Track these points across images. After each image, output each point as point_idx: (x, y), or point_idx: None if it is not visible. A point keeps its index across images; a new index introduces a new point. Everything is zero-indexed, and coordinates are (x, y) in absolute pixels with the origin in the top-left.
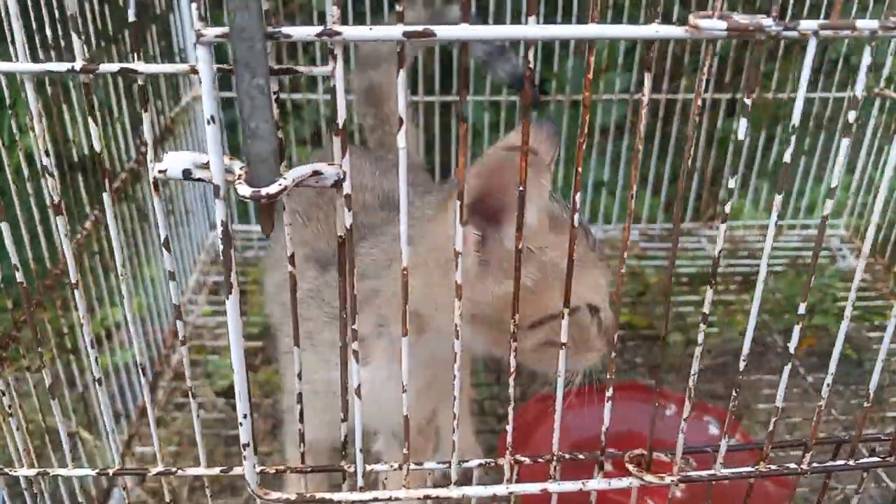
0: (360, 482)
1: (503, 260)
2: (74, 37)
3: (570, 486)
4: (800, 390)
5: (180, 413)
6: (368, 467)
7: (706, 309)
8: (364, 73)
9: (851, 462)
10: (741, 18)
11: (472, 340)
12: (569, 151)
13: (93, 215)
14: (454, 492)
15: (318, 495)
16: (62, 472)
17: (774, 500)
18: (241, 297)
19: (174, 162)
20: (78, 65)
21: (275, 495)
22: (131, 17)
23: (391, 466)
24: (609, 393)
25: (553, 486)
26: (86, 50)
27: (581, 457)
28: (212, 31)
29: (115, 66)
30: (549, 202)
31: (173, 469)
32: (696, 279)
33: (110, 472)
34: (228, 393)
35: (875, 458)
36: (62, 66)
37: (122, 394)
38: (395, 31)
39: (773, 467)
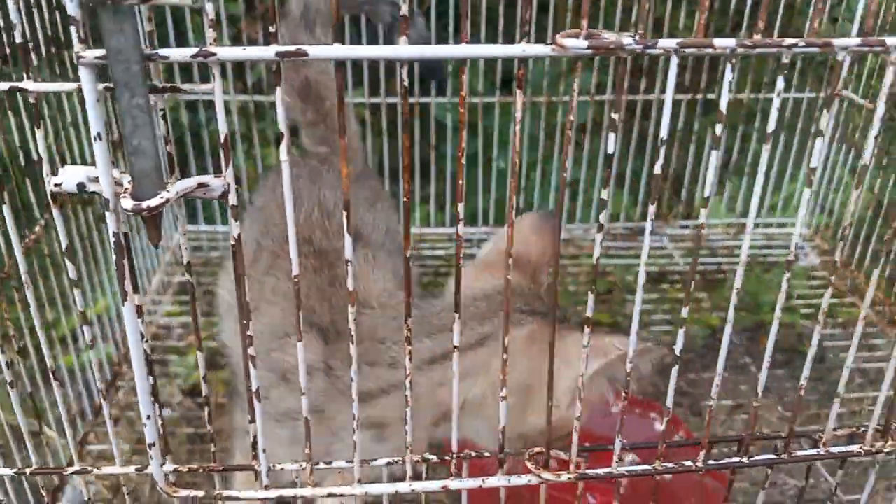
0: (265, 481)
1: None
2: None
3: (472, 482)
4: (751, 387)
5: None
6: (279, 466)
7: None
8: (297, 70)
9: (746, 459)
10: (606, 37)
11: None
12: (547, 150)
13: (43, 219)
14: (357, 489)
15: (226, 493)
16: None
17: (711, 495)
18: (207, 296)
19: (69, 176)
20: None
21: (184, 493)
22: (18, 39)
23: (300, 465)
24: (503, 393)
25: (454, 483)
26: None
27: (486, 454)
28: (91, 53)
29: (5, 85)
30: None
31: (88, 468)
32: (657, 278)
33: (27, 471)
34: (194, 392)
35: (771, 456)
36: None
37: (79, 394)
38: (269, 51)
39: (669, 465)
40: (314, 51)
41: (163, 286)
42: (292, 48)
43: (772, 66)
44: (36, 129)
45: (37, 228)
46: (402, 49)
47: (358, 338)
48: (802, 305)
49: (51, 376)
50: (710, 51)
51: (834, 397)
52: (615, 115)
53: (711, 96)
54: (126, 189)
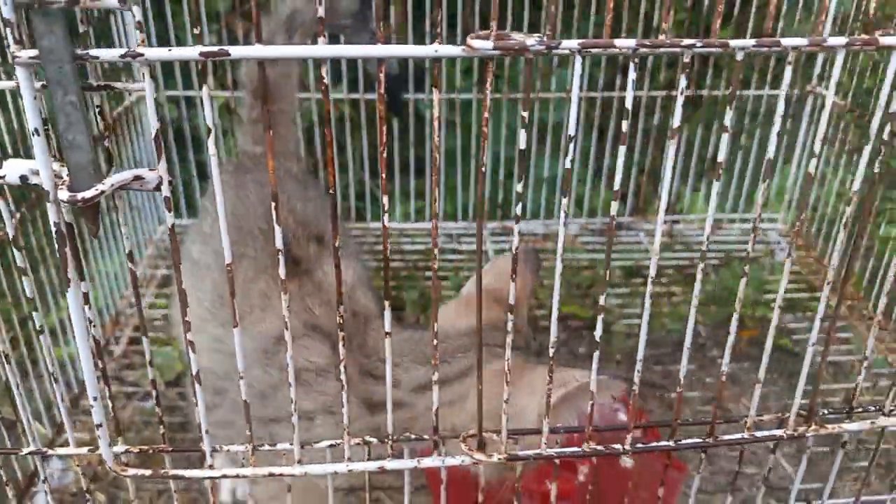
0: (208, 460)
1: None
2: None
3: (408, 463)
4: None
5: (127, 401)
6: (227, 447)
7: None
8: (260, 70)
9: (672, 443)
10: (513, 38)
11: None
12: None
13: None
14: (296, 469)
15: (172, 472)
16: None
17: (671, 482)
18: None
19: (12, 169)
20: None
21: (132, 471)
22: None
23: (245, 447)
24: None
25: (389, 464)
26: None
27: (413, 437)
28: (26, 53)
29: None
30: None
31: (45, 449)
32: (633, 271)
33: None
34: (178, 382)
35: (698, 440)
36: None
37: (69, 383)
38: (194, 52)
39: (599, 448)
40: (236, 51)
41: (146, 279)
42: (215, 49)
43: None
44: None
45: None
46: (323, 49)
47: (365, 353)
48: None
49: (28, 368)
50: (613, 50)
51: (797, 385)
52: (524, 114)
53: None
54: (63, 181)
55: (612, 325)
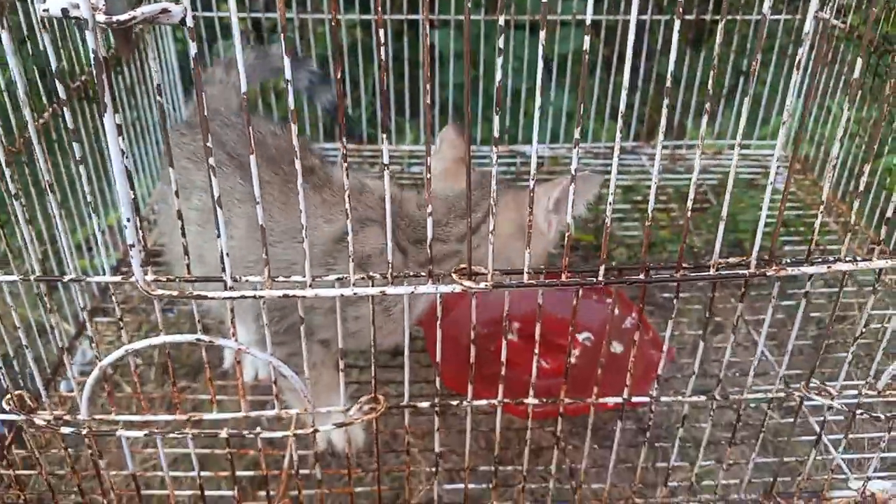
0: (229, 283)
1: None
2: None
3: (403, 289)
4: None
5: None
6: (244, 278)
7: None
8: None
9: (644, 276)
10: None
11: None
12: (530, 80)
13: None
14: (308, 292)
15: (197, 292)
16: None
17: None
18: None
19: (54, 2)
20: None
21: (160, 291)
22: None
23: (263, 277)
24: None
25: (389, 290)
26: None
27: (412, 273)
28: None
29: None
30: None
31: (82, 276)
32: (630, 187)
33: (32, 278)
34: None
35: (666, 275)
36: None
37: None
38: None
39: (576, 279)
40: None
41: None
42: None
43: None
44: None
45: (45, 114)
46: None
47: (411, 226)
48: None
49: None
50: None
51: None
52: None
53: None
54: (100, 9)
55: (611, 237)
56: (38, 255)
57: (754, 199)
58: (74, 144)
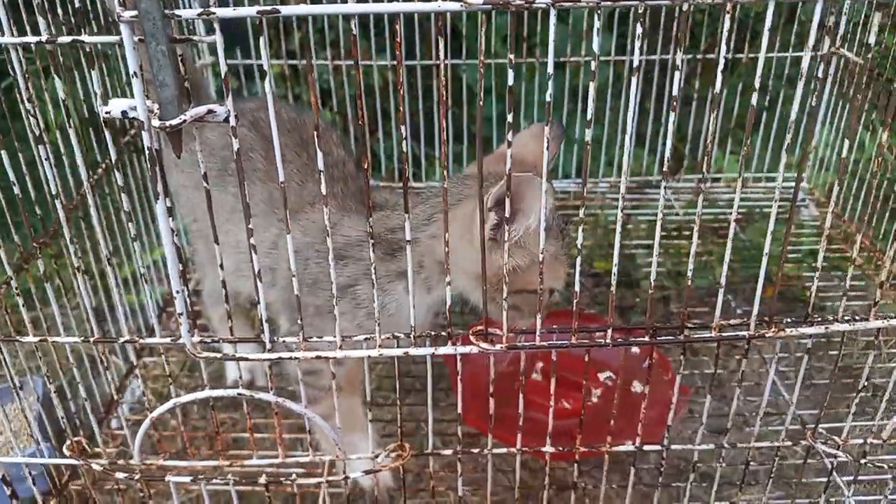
0: (268, 345)
1: (508, 243)
2: (40, 18)
3: (424, 350)
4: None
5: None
6: (281, 339)
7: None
8: None
9: (647, 339)
10: None
11: (467, 287)
12: (556, 113)
13: (103, 164)
14: (338, 353)
15: (240, 354)
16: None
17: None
18: None
19: (115, 106)
20: (43, 37)
21: (206, 354)
22: (77, 4)
23: (298, 338)
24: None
25: (413, 351)
26: (51, 25)
27: (433, 333)
28: (128, 13)
29: (67, 39)
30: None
31: (136, 338)
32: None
33: (91, 340)
34: None
35: (671, 337)
36: (33, 39)
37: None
38: (251, 10)
39: (585, 341)
40: (285, 9)
41: None
42: (269, 8)
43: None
44: (91, 70)
45: (99, 170)
46: (351, 7)
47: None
48: (805, 253)
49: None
50: (581, 4)
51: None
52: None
53: (711, 56)
54: (154, 112)
55: (640, 280)
56: (95, 318)
57: (777, 233)
58: (123, 196)
